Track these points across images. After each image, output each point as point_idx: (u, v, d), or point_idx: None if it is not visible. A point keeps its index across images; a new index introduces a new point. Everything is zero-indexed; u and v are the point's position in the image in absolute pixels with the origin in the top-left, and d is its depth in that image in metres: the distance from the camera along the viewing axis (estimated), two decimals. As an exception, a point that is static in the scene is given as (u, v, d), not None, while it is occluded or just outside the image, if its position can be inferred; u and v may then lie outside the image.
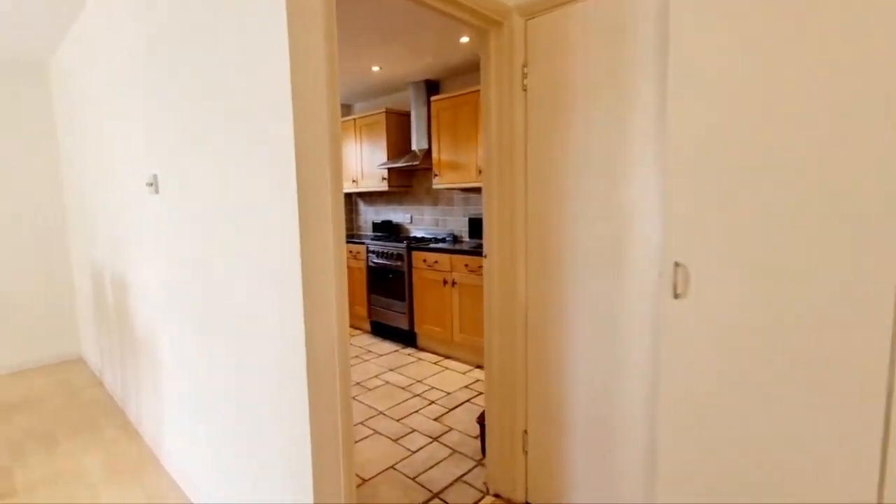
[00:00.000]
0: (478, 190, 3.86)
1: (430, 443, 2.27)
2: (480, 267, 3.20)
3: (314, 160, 1.10)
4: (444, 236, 4.13)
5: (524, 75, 1.63)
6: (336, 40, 1.13)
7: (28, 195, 3.44)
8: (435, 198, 4.24)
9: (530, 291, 1.69)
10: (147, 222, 2.00)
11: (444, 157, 3.77)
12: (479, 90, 3.45)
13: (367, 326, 4.23)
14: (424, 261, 3.59)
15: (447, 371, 3.24)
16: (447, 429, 2.40)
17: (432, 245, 3.70)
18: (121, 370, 2.69)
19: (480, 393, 2.84)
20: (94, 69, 2.44)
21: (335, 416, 1.19)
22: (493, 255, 1.75)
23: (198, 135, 1.48)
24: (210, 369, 1.61)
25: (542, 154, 1.60)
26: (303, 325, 1.11)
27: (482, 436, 2.08)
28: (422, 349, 3.72)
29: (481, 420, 2.09)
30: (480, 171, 3.49)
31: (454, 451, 2.19)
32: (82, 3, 2.42)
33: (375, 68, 3.66)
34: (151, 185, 1.85)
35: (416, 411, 2.62)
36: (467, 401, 2.74)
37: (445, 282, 3.44)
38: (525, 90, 1.63)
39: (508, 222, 1.71)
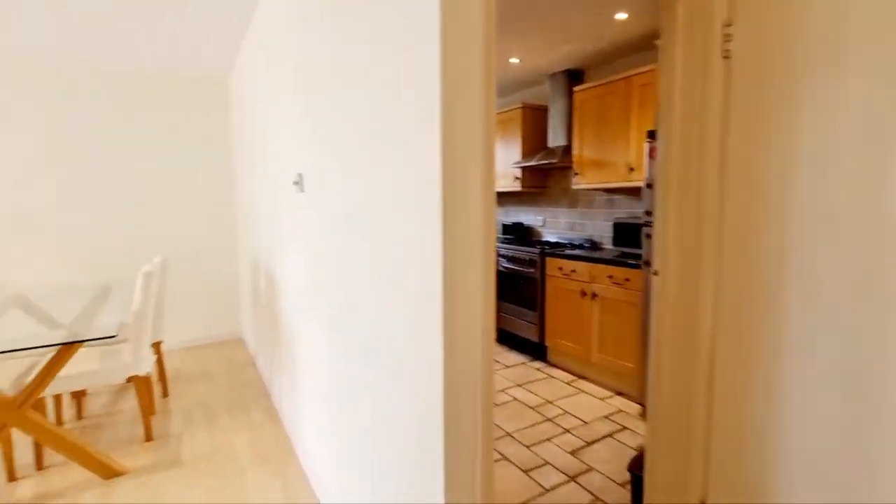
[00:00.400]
0: (627, 191, 3.39)
1: (567, 482, 1.96)
2: (628, 280, 2.77)
3: (462, 162, 0.91)
4: (581, 242, 3.73)
5: (726, 38, 1.24)
6: (495, 31, 0.92)
7: (207, 196, 3.96)
8: (573, 199, 3.86)
9: (722, 325, 1.29)
10: (292, 222, 2.06)
11: (587, 153, 3.38)
12: (631, 76, 3.01)
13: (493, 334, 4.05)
14: (560, 268, 3.26)
15: (582, 394, 2.88)
16: (586, 467, 2.07)
17: (568, 251, 3.35)
18: (269, 355, 2.90)
19: (625, 427, 2.44)
20: (257, 84, 2.64)
21: (473, 461, 0.99)
22: (668, 272, 1.39)
23: (338, 135, 1.42)
24: (343, 373, 1.55)
25: (751, 146, 1.20)
26: (441, 352, 0.93)
27: (634, 489, 1.71)
28: (552, 364, 3.40)
29: (634, 468, 1.73)
30: (632, 169, 3.04)
31: (596, 498, 1.86)
32: (245, 27, 2.64)
33: (514, 60, 3.43)
34: (297, 183, 1.87)
35: (549, 439, 2.33)
36: (609, 435, 2.36)
37: (584, 293, 3.07)
38: (727, 58, 1.24)
39: (692, 234, 1.34)
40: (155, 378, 3.15)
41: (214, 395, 2.95)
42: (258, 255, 3.09)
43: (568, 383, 3.07)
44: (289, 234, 2.15)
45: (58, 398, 2.48)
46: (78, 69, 3.42)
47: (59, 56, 3.18)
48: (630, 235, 3.21)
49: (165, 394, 2.95)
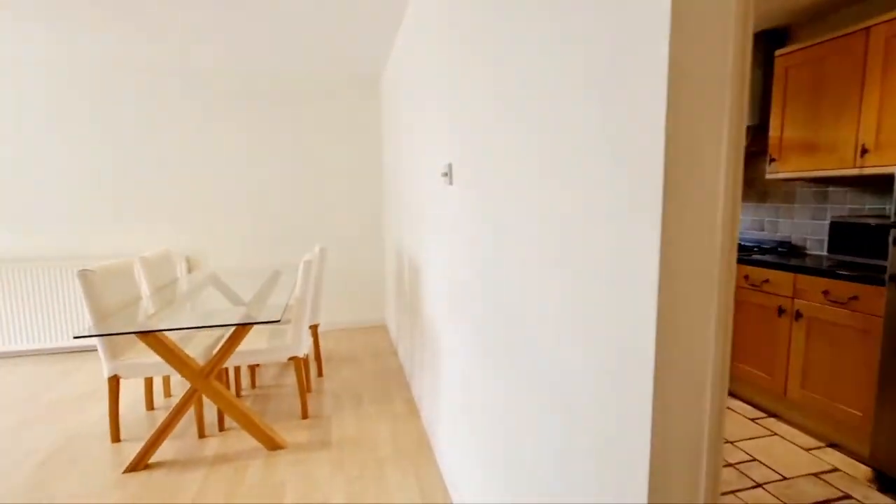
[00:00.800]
0: (852, 181, 2.60)
1: (767, 559, 1.52)
2: (856, 299, 2.09)
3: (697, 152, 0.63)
4: (773, 245, 3.01)
5: None
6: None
7: (359, 189, 4.20)
8: (762, 191, 3.13)
9: None
10: (439, 215, 1.96)
11: (791, 133, 2.67)
12: (870, 27, 2.24)
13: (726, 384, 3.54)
14: (747, 277, 2.65)
15: (776, 438, 2.29)
16: (794, 543, 1.59)
17: (757, 256, 2.71)
18: (409, 346, 2.91)
19: (847, 496, 1.84)
20: (407, 80, 2.62)
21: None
22: None
23: (498, 125, 1.23)
24: (496, 394, 1.38)
25: None
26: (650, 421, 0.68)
27: None
28: (732, 394, 2.81)
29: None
30: (866, 152, 2.30)
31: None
32: (398, 23, 2.63)
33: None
34: (446, 175, 1.75)
35: (734, 492, 1.87)
36: (825, 502, 1.80)
37: (782, 311, 2.44)
38: None
39: None
40: (311, 358, 3.43)
41: (361, 379, 3.08)
42: (403, 247, 3.12)
43: (753, 420, 2.48)
44: (434, 227, 2.07)
45: (237, 369, 2.82)
46: (267, 80, 3.87)
47: (252, 69, 3.64)
48: (856, 239, 2.45)
49: (320, 373, 3.19)
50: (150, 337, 2.01)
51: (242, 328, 2.14)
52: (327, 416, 2.58)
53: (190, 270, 3.89)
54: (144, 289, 2.74)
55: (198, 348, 2.43)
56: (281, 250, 4.07)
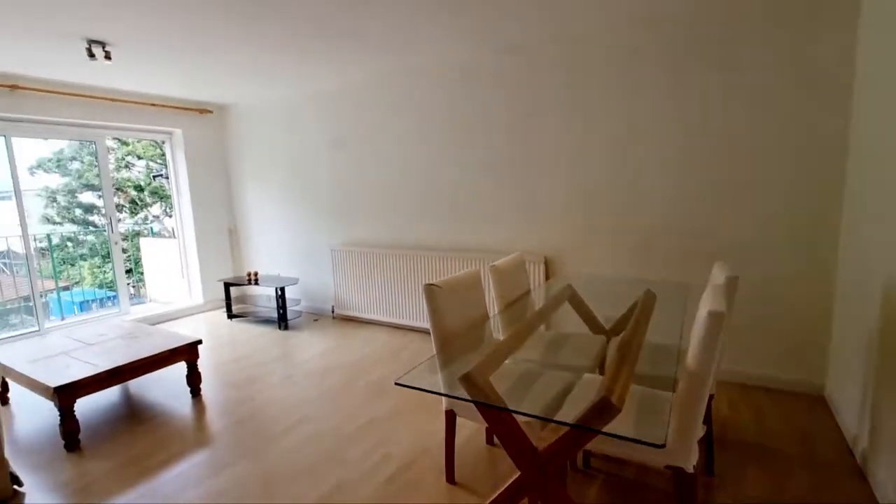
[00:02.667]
0: None
1: None
2: None
3: None
4: None
5: None
6: None
7: (788, 171, 2.60)
8: None
9: None
10: None
11: None
12: None
13: None
14: None
15: None
16: None
17: None
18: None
19: None
20: None
21: None
22: None
23: None
24: None
25: None
26: None
27: None
28: None
29: None
30: None
31: None
32: None
33: None
34: None
35: None
36: None
37: None
38: None
39: None
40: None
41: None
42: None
43: None
44: None
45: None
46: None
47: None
48: None
49: (708, 469, 2.03)
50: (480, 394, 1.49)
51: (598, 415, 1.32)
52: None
53: (548, 276, 3.45)
54: (491, 301, 2.39)
55: (537, 400, 1.81)
56: (654, 259, 3.05)
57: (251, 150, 5.15)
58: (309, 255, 4.89)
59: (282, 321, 4.41)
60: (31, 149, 7.47)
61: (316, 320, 4.69)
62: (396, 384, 1.47)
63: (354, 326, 4.42)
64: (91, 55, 2.94)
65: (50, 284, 6.53)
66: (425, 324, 3.96)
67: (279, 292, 4.38)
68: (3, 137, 3.88)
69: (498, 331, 2.27)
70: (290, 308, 4.57)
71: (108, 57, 3.00)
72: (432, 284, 1.88)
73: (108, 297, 6.59)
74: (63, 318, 5.02)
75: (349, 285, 4.53)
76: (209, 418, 2.72)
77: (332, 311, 4.74)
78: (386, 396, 2.88)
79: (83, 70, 3.49)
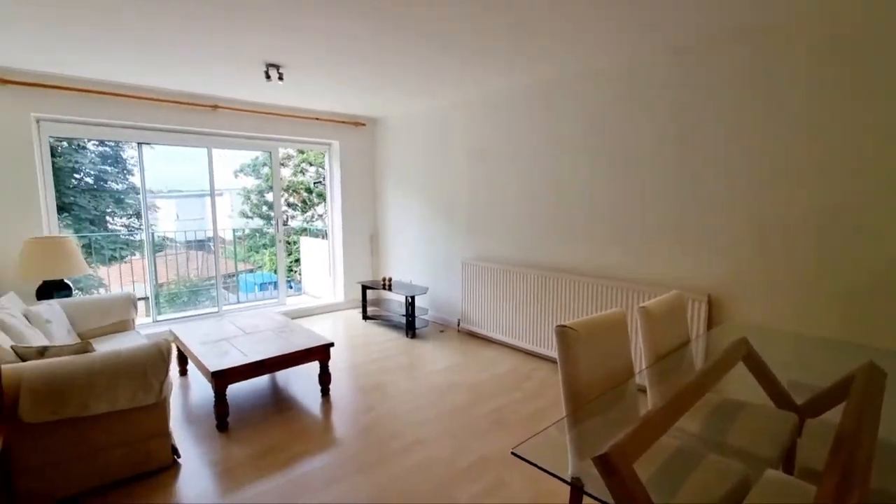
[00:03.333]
0: None
1: None
2: None
3: None
4: None
5: None
6: None
7: None
8: None
9: None
10: None
11: None
12: None
13: None
14: None
15: None
16: None
17: None
18: None
19: None
20: None
21: None
22: None
23: None
24: None
25: None
26: None
27: None
28: None
29: None
30: None
31: None
32: None
33: None
34: None
35: None
36: None
37: None
38: None
39: None
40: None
41: None
42: None
43: None
44: None
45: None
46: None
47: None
48: None
49: None
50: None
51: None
52: None
53: (710, 324, 2.83)
54: (638, 350, 1.98)
55: (696, 498, 1.39)
56: (879, 318, 2.26)
57: (395, 161, 5.39)
58: (440, 266, 4.91)
59: (410, 328, 4.49)
60: (234, 156, 9.08)
61: (442, 331, 4.68)
62: (513, 454, 1.23)
63: (479, 344, 4.28)
64: (268, 77, 3.31)
65: (241, 267, 8.01)
66: (552, 352, 3.61)
67: (409, 300, 4.46)
68: (205, 149, 4.67)
69: (644, 387, 1.87)
70: (419, 316, 4.63)
71: (280, 77, 3.35)
72: (566, 326, 1.60)
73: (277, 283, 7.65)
74: (238, 301, 5.90)
75: (477, 300, 4.40)
76: (333, 421, 2.82)
77: (458, 325, 4.68)
78: (505, 431, 2.65)
79: (261, 90, 3.99)
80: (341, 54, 3.00)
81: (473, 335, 4.50)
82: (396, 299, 5.29)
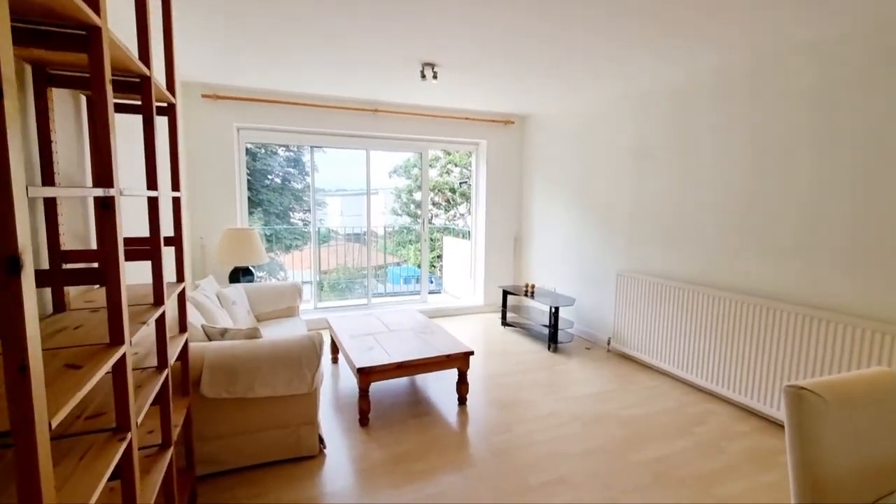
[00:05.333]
0: None
1: None
2: None
3: None
4: None
5: None
6: None
7: None
8: None
9: None
10: None
11: None
12: None
13: None
14: None
15: None
16: None
17: None
18: None
19: None
20: None
21: None
22: None
23: None
24: None
25: None
26: None
27: None
28: None
29: None
30: None
31: None
32: None
33: None
34: None
35: None
36: None
37: None
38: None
39: None
40: None
41: None
42: None
43: None
44: None
45: None
46: None
47: None
48: None
49: None
50: None
51: None
52: None
53: None
54: None
55: None
56: None
57: (543, 160, 5.05)
58: (589, 276, 4.43)
59: (552, 341, 4.13)
60: (389, 158, 9.78)
61: (588, 349, 4.21)
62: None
63: (633, 368, 3.72)
64: (423, 76, 3.29)
65: (390, 259, 8.76)
66: (736, 394, 2.90)
67: (553, 310, 4.11)
68: (364, 151, 4.97)
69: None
70: (563, 329, 4.24)
71: (435, 76, 3.30)
72: (805, 388, 1.12)
73: (419, 277, 8.02)
74: (385, 292, 6.24)
75: (634, 318, 3.83)
76: (468, 436, 2.65)
77: (608, 343, 4.15)
78: (671, 491, 2.15)
79: (414, 92, 4.04)
80: (498, 48, 2.80)
81: (626, 357, 3.94)
82: (539, 308, 4.95)
